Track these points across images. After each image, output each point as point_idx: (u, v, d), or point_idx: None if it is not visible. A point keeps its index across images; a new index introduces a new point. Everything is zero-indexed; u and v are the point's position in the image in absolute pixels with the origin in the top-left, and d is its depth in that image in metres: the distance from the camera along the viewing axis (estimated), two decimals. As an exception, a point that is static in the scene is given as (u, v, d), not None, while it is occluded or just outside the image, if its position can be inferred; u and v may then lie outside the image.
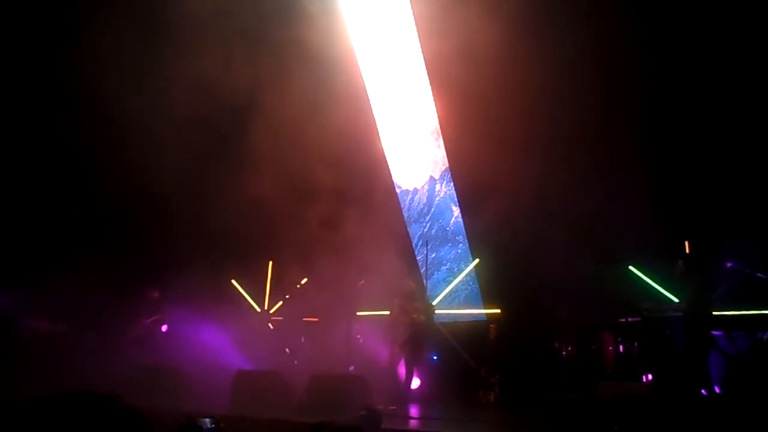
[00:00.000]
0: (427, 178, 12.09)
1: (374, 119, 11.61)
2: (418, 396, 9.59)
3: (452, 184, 11.77)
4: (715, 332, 8.31)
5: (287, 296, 11.97)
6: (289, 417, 7.22)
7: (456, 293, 11.59)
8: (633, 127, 9.45)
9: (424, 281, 10.55)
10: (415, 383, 9.55)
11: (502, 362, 9.72)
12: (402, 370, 9.14)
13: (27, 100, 10.64)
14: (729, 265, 8.84)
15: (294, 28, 9.76)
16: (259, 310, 12.23)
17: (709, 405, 7.45)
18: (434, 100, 11.39)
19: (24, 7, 10.46)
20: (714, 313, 8.22)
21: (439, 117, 11.48)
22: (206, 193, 10.44)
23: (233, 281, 12.40)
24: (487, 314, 10.90)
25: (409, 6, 11.04)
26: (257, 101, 9.84)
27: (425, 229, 12.07)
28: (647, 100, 9.35)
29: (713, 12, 8.74)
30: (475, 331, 10.60)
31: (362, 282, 10.36)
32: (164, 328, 11.12)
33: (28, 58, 10.44)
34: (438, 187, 12.04)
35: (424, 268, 10.83)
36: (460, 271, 11.59)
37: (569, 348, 9.65)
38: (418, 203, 12.18)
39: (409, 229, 12.02)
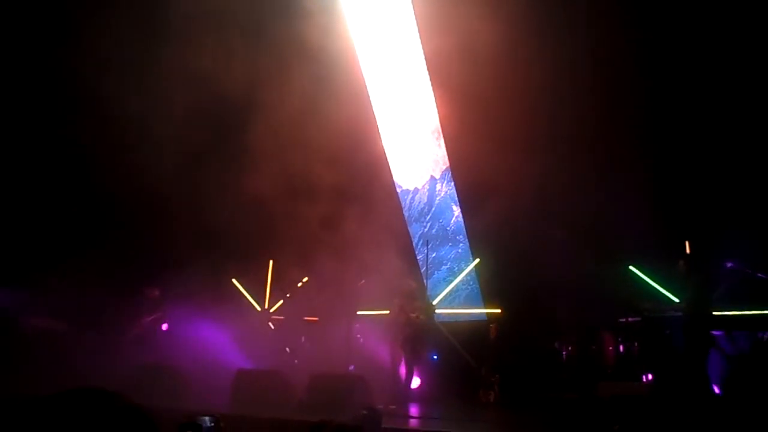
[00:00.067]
0: (428, 177, 12.09)
1: (375, 118, 11.61)
2: (418, 395, 9.60)
3: (453, 183, 11.77)
4: (715, 332, 8.32)
5: (288, 295, 11.97)
6: (290, 416, 7.21)
7: (456, 293, 11.60)
8: (633, 127, 9.45)
9: (425, 281, 10.55)
10: (415, 383, 9.56)
11: (502, 362, 9.73)
12: (402, 369, 9.15)
13: (27, 100, 10.65)
14: (729, 265, 8.84)
15: (295, 26, 9.76)
16: (259, 309, 12.23)
17: (709, 405, 7.45)
18: (435, 100, 11.40)
19: (24, 7, 10.46)
20: (714, 313, 8.22)
21: (439, 116, 11.49)
22: (206, 192, 10.43)
23: (233, 280, 12.40)
24: (487, 314, 10.91)
25: (410, 5, 11.04)
26: (257, 100, 9.84)
27: (426, 229, 12.07)
28: (647, 100, 9.35)
29: (713, 12, 8.74)
30: (475, 330, 10.61)
31: (363, 281, 10.36)
32: (164, 326, 11.12)
33: (28, 58, 10.44)
34: (438, 186, 12.04)
35: (424, 268, 10.83)
36: (461, 270, 11.59)
37: (569, 348, 9.65)
38: (419, 203, 12.19)
39: (409, 228, 12.02)
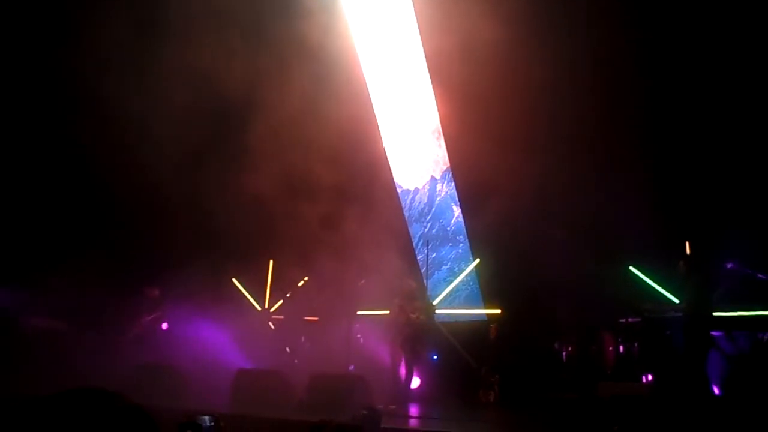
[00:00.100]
0: (428, 177, 12.09)
1: (375, 118, 11.61)
2: (418, 395, 9.60)
3: (453, 183, 11.77)
4: (715, 333, 8.32)
5: (288, 295, 11.97)
6: (290, 416, 7.21)
7: (456, 293, 11.59)
8: (633, 127, 9.44)
9: (425, 281, 10.55)
10: (415, 383, 9.56)
11: (502, 362, 9.73)
12: (402, 369, 9.15)
13: (27, 100, 10.65)
14: (729, 265, 8.83)
15: (295, 25, 9.77)
16: (259, 309, 12.23)
17: (709, 406, 7.45)
18: (435, 100, 11.39)
19: (24, 7, 10.46)
20: (714, 313, 8.22)
21: (440, 116, 11.48)
22: (206, 192, 10.44)
23: (234, 280, 12.40)
24: (487, 314, 10.91)
25: (411, 4, 11.04)
26: (258, 100, 9.84)
27: (426, 229, 12.07)
28: (647, 100, 9.34)
29: (713, 12, 8.74)
30: (475, 331, 10.61)
31: (363, 281, 10.35)
32: (164, 326, 11.13)
33: (28, 58, 10.44)
34: (439, 186, 12.04)
35: (424, 268, 10.83)
36: (461, 270, 11.59)
37: (569, 348, 9.64)
38: (419, 203, 12.18)
39: (409, 228, 12.02)
